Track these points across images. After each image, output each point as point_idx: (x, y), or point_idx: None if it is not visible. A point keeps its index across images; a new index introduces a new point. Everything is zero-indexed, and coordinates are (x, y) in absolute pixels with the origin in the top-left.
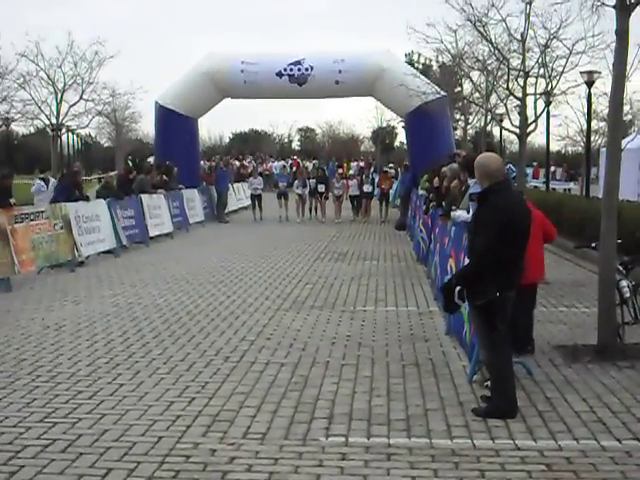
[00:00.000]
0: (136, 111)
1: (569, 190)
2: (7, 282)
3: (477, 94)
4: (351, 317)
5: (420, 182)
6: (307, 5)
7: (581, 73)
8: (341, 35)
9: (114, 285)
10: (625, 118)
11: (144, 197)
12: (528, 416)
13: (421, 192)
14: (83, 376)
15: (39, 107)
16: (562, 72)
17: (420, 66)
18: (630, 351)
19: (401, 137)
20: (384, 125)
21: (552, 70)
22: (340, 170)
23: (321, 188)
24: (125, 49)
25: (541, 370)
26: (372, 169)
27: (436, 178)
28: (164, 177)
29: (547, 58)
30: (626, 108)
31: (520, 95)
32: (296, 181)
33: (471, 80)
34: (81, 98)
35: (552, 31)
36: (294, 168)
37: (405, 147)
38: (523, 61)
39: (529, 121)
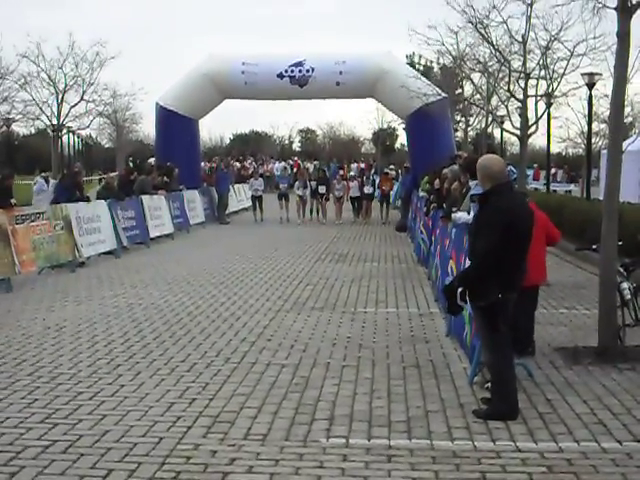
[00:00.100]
0: (137, 112)
1: (570, 192)
2: (8, 282)
3: (478, 96)
4: (352, 318)
5: (421, 184)
6: (308, 6)
7: (582, 75)
8: (342, 37)
9: (115, 286)
10: (626, 120)
11: (145, 198)
12: (529, 418)
13: (422, 194)
14: (84, 377)
15: (40, 108)
16: (563, 74)
17: (421, 68)
18: (631, 353)
19: (402, 139)
20: (385, 127)
21: (553, 72)
22: (341, 171)
23: (322, 189)
24: (126, 50)
25: (542, 372)
26: (373, 171)
27: (437, 180)
28: (165, 178)
29: (548, 60)
30: (627, 110)
31: (521, 97)
32: (297, 182)
33: (472, 82)
34: (82, 99)
35: (553, 33)
36: (295, 169)
37: (406, 149)
38: (524, 63)
39: (530, 123)
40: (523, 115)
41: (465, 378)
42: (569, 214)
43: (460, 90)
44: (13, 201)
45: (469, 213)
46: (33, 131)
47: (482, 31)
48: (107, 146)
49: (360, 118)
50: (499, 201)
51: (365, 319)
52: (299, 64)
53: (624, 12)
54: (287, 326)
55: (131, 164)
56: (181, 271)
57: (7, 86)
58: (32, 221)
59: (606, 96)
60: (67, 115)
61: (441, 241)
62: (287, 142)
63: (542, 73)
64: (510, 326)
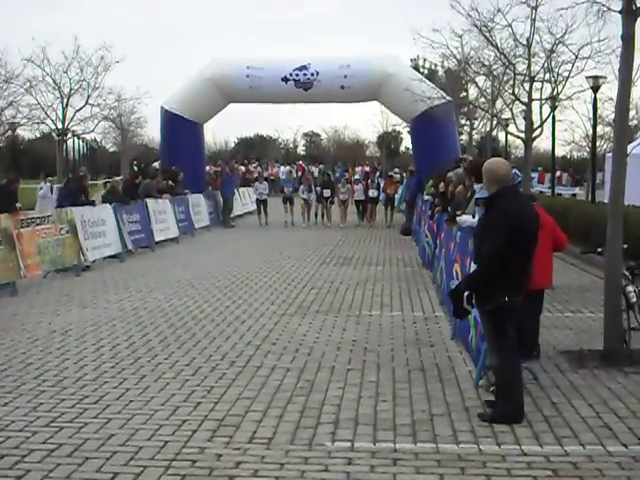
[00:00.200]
0: (142, 116)
1: (575, 195)
2: (13, 286)
3: (483, 99)
4: (357, 322)
5: (425, 187)
6: (312, 10)
7: (587, 78)
8: (346, 40)
9: (120, 290)
10: (631, 123)
11: (150, 202)
12: (534, 421)
13: (426, 197)
14: (89, 380)
15: (45, 112)
16: (568, 77)
17: (426, 71)
18: (636, 356)
19: (406, 142)
20: (389, 130)
21: (558, 75)
22: (346, 174)
23: (326, 193)
24: (131, 54)
25: (547, 375)
26: (377, 174)
27: (441, 183)
28: (170, 182)
29: (553, 63)
30: (632, 113)
31: (526, 100)
32: (301, 186)
33: (477, 85)
34: (87, 103)
35: (558, 36)
36: (300, 173)
37: (410, 152)
38: (529, 66)
39: (535, 126)
40: (528, 118)
41: (470, 381)
42: (574, 217)
43: (465, 93)
44: (18, 205)
45: (474, 216)
46: (38, 135)
47: (487, 34)
48: (112, 150)
49: (365, 121)
50: (505, 204)
51: (370, 322)
52: (304, 68)
53: (629, 15)
54: (292, 330)
55: (136, 168)
56: (186, 275)
57: (12, 90)
58: (37, 225)
59: (611, 99)
60: (72, 119)
61: (446, 244)
62: (292, 146)
63: (547, 76)
64: (515, 329)
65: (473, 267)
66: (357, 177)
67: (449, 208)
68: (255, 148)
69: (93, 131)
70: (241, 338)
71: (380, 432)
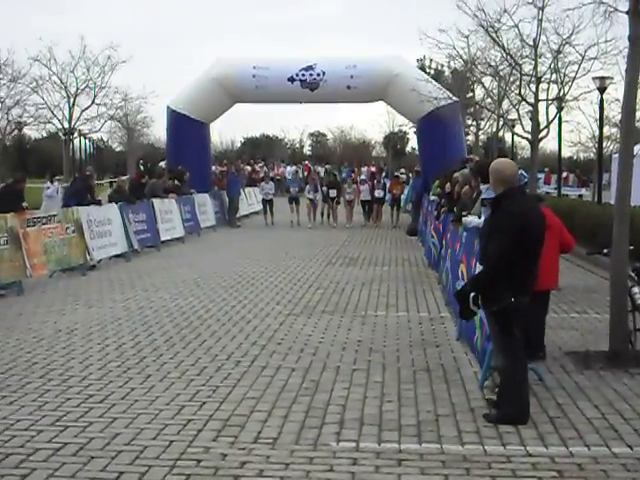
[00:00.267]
0: (148, 115)
1: (581, 196)
2: (19, 285)
3: (489, 100)
4: (362, 322)
5: (432, 187)
6: (319, 10)
7: (593, 79)
8: (353, 40)
9: (125, 289)
10: (637, 124)
11: (156, 201)
12: (539, 422)
13: (432, 197)
14: (94, 380)
15: (51, 111)
16: (574, 78)
17: (432, 71)
18: None
19: (413, 142)
20: (396, 130)
21: (564, 76)
22: (352, 174)
23: (333, 193)
24: (137, 54)
25: (552, 376)
26: (383, 174)
27: (448, 183)
28: (176, 182)
29: (559, 64)
30: (638, 114)
31: (532, 101)
32: (307, 186)
33: (483, 86)
34: (93, 102)
35: (564, 37)
36: (306, 173)
37: (416, 152)
38: (535, 67)
39: (541, 127)
40: (534, 119)
41: (475, 382)
42: (580, 218)
43: (471, 94)
44: (25, 204)
45: (480, 217)
46: (45, 135)
47: (493, 35)
48: (118, 149)
49: (371, 121)
50: (511, 205)
51: (375, 323)
52: (310, 68)
53: (636, 16)
54: (297, 330)
55: (142, 167)
56: (192, 274)
57: (19, 90)
58: (43, 224)
59: (617, 100)
60: (78, 118)
61: (452, 245)
62: (298, 146)
63: (553, 77)
64: (521, 330)
65: (479, 268)
66: (363, 177)
67: (455, 208)
68: (261, 148)
69: (99, 130)
70: (246, 338)
71: (385, 432)
